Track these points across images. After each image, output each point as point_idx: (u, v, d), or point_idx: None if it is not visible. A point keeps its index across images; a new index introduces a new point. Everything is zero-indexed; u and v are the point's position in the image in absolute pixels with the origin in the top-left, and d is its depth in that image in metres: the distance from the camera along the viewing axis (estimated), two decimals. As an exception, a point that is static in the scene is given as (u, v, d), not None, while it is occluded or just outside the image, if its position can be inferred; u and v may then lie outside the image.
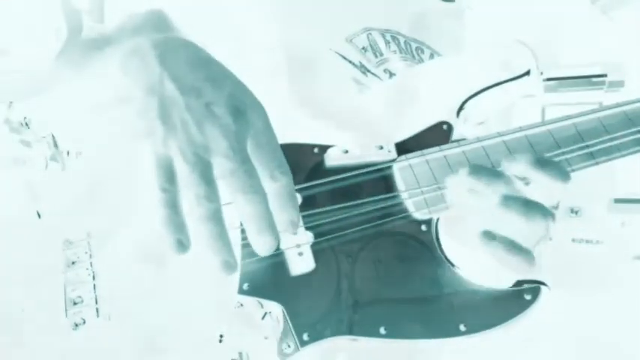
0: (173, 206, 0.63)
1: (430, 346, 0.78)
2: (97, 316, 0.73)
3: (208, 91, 0.65)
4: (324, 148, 0.86)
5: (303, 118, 0.91)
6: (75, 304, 0.74)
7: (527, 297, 0.78)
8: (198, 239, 0.64)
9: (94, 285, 0.75)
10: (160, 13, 0.86)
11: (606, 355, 0.86)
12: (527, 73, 0.88)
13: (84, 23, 0.83)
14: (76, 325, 0.73)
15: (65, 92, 0.79)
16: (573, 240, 0.83)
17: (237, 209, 0.64)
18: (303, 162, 0.85)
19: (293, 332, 0.75)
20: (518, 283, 0.79)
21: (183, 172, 0.62)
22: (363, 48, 0.97)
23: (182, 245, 0.62)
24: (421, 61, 0.99)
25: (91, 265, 0.76)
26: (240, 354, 0.73)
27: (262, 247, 0.65)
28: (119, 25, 0.84)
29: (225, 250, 0.62)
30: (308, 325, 0.76)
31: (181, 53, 0.70)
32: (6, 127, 0.79)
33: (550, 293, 0.83)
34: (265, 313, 0.76)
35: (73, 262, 0.77)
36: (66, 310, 0.74)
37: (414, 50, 1.00)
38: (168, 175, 0.64)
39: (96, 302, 0.74)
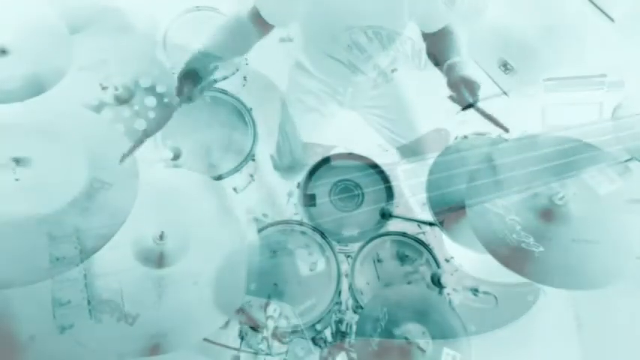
0: None
1: (430, 346, 0.76)
2: (90, 317, 0.67)
3: None
4: (328, 149, 0.87)
5: (309, 120, 0.93)
6: (62, 304, 0.68)
7: (530, 298, 0.81)
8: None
9: (86, 284, 0.68)
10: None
11: (607, 354, 0.86)
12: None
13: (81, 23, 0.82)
14: (63, 329, 0.66)
15: (64, 92, 0.77)
16: (573, 240, 0.83)
17: None
18: (309, 161, 0.85)
19: (304, 333, 0.72)
20: (519, 285, 0.80)
21: None
22: (348, 46, 0.98)
23: None
24: (405, 52, 1.00)
25: (82, 262, 0.69)
26: (255, 355, 0.69)
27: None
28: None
29: None
30: (311, 324, 0.74)
31: None
32: (7, 128, 0.75)
33: (550, 293, 0.84)
34: (273, 313, 0.72)
35: (58, 259, 0.69)
36: (53, 311, 0.67)
37: (397, 43, 1.02)
38: None
39: (88, 303, 0.67)
